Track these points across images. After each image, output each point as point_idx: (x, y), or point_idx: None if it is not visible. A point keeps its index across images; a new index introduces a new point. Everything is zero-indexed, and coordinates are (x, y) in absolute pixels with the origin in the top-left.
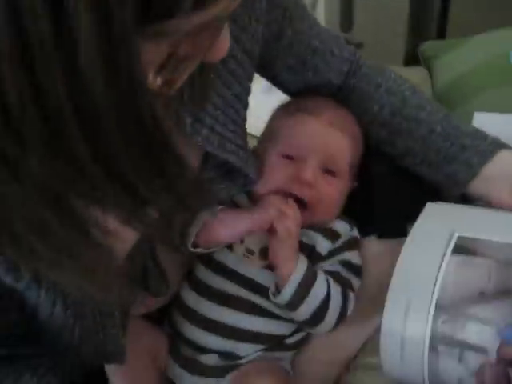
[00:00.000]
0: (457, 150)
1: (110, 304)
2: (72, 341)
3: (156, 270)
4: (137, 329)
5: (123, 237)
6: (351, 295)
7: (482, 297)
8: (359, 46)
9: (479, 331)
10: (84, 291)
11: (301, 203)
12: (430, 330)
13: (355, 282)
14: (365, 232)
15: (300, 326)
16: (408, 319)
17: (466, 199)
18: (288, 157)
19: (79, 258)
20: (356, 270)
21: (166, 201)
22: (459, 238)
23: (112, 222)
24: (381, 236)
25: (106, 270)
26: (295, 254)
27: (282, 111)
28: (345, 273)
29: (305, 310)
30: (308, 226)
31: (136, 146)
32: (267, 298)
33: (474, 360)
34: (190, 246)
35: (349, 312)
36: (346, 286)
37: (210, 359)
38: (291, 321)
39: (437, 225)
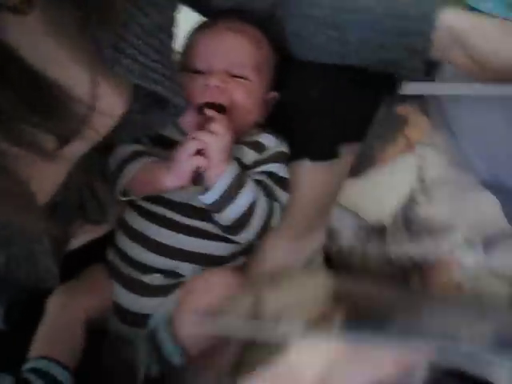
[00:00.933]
0: (405, 24)
1: (33, 231)
2: None
3: (93, 199)
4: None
5: (49, 168)
6: (277, 206)
7: None
8: None
9: None
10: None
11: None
12: None
13: (281, 194)
14: (299, 155)
15: (224, 232)
16: None
17: None
18: (197, 71)
19: None
20: (282, 183)
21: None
22: None
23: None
24: (314, 159)
25: (20, 198)
26: (228, 157)
27: (191, 34)
28: (270, 183)
29: (231, 213)
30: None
31: None
32: (206, 220)
33: None
34: (119, 195)
35: (274, 223)
36: (271, 196)
37: (155, 279)
38: (229, 242)
39: None
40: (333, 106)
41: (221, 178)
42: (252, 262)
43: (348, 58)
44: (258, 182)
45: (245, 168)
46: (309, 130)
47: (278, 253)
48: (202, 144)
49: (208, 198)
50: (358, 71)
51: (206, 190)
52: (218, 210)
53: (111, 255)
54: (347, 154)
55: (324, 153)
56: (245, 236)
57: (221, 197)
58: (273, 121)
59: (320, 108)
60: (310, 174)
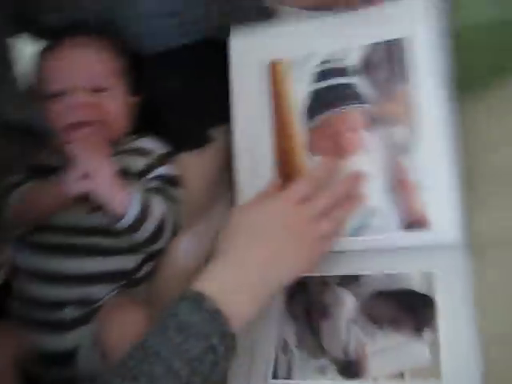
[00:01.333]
0: None
1: None
2: None
3: None
4: None
5: None
6: (180, 207)
7: None
8: None
9: None
10: None
11: (89, 126)
12: None
13: (177, 193)
14: (176, 150)
15: (140, 247)
16: None
17: None
18: (56, 95)
19: None
20: (175, 182)
21: None
22: None
23: None
24: (190, 149)
25: None
26: (120, 186)
27: (39, 59)
28: (166, 187)
29: (147, 229)
30: (111, 148)
31: None
32: (103, 237)
33: None
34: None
35: (181, 224)
36: (172, 199)
37: (68, 313)
38: (136, 253)
39: None
40: (194, 93)
41: (129, 201)
42: (159, 266)
43: (191, 36)
44: (157, 190)
45: (137, 176)
46: (177, 123)
47: (179, 252)
48: (84, 167)
49: (124, 223)
50: (206, 51)
51: (119, 216)
52: (135, 229)
53: (15, 306)
54: (220, 135)
55: (198, 141)
56: (161, 243)
57: (135, 220)
58: (143, 123)
59: (182, 99)
60: (191, 165)
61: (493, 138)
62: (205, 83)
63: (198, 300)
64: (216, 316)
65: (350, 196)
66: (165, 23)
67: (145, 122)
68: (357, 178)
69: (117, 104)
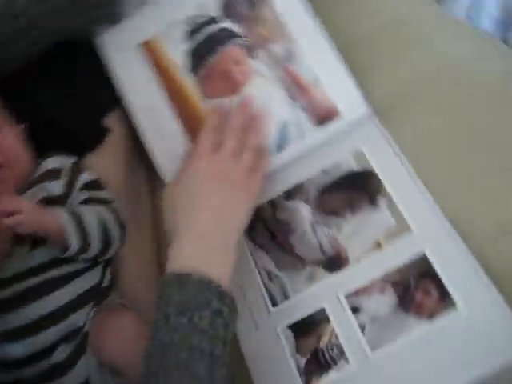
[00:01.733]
0: None
1: None
2: None
3: None
4: None
5: None
6: (117, 206)
7: None
8: None
9: None
10: None
11: None
12: None
13: (106, 194)
14: (79, 154)
15: (96, 259)
16: None
17: None
18: None
19: None
20: (98, 185)
21: None
22: None
23: None
24: (93, 148)
25: None
26: (50, 215)
27: None
28: (95, 193)
29: (95, 244)
30: (24, 183)
31: None
32: (56, 267)
33: None
34: None
35: (125, 221)
36: (105, 202)
37: (59, 353)
38: (97, 265)
39: None
40: (70, 95)
41: (65, 227)
42: (116, 268)
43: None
44: (89, 199)
45: (61, 199)
46: (67, 130)
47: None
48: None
49: (72, 251)
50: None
51: (65, 245)
52: (85, 249)
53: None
54: (113, 122)
55: (96, 137)
56: (115, 247)
57: (80, 241)
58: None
59: (63, 106)
60: (100, 164)
61: (354, 14)
62: (76, 83)
63: (182, 278)
64: (205, 282)
65: (252, 121)
66: (15, 42)
67: (36, 142)
68: (246, 103)
69: (12, 138)
